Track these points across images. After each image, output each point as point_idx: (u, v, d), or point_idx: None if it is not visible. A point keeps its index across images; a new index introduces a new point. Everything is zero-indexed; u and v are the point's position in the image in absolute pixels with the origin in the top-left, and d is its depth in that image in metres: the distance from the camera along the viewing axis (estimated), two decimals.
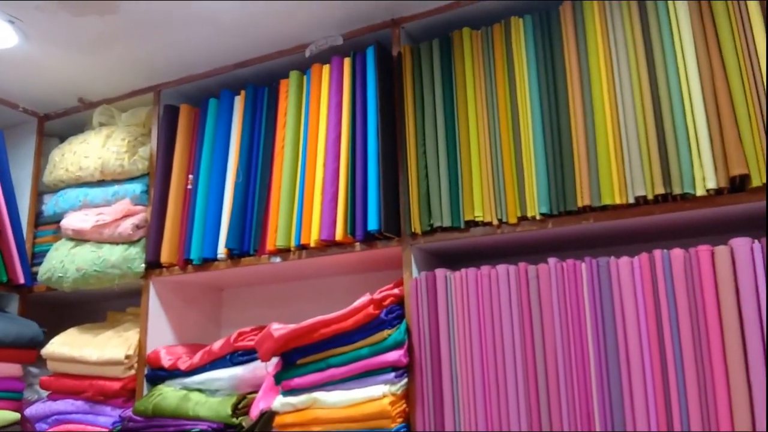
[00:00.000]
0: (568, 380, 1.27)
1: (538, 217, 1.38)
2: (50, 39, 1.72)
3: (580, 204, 1.35)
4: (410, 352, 1.44)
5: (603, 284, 1.28)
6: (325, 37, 1.73)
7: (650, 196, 1.29)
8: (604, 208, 1.34)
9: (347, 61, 1.68)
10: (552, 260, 1.34)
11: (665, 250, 1.24)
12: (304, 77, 1.76)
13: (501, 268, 1.38)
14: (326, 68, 1.72)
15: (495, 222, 1.42)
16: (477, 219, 1.44)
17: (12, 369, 1.89)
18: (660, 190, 1.27)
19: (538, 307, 1.33)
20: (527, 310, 1.34)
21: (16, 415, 1.87)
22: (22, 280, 1.95)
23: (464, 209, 1.45)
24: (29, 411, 1.85)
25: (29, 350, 1.92)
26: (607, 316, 1.27)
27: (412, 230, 1.50)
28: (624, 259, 1.28)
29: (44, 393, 1.93)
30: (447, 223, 1.46)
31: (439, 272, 1.45)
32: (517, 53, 1.48)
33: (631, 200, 1.31)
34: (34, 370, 1.99)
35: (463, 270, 1.42)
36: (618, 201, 1.31)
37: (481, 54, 1.53)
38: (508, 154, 1.44)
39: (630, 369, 1.23)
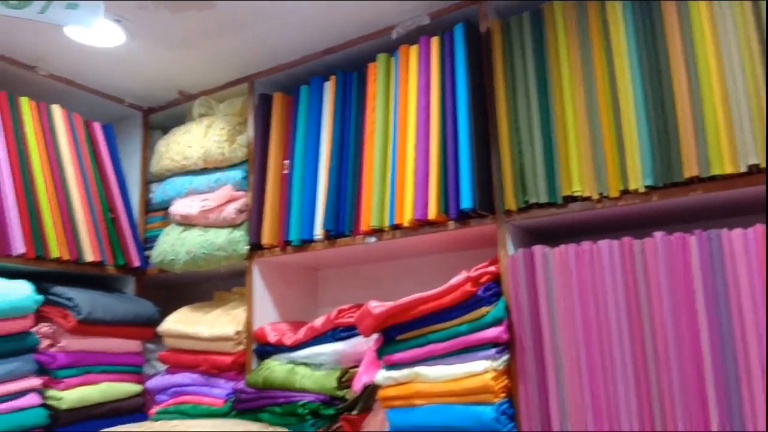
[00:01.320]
0: (678, 359, 1.25)
1: (641, 190, 1.34)
2: (152, 36, 1.82)
3: (687, 175, 1.30)
4: (510, 328, 1.45)
5: (715, 258, 1.24)
6: (411, 18, 1.74)
7: (763, 164, 1.22)
8: (713, 178, 1.28)
9: (435, 41, 1.68)
10: (659, 234, 1.30)
11: None
12: (392, 59, 1.77)
13: (603, 243, 1.36)
14: (413, 49, 1.72)
15: (595, 196, 1.39)
16: (575, 194, 1.42)
17: (132, 345, 2.06)
18: None
19: (645, 283, 1.30)
20: (632, 286, 1.31)
21: (139, 387, 2.05)
22: (137, 264, 2.11)
23: (561, 184, 1.44)
24: (150, 383, 2.02)
25: (146, 328, 2.09)
26: (719, 291, 1.23)
27: (507, 207, 1.50)
28: (737, 231, 1.23)
29: (161, 367, 2.09)
30: (543, 199, 1.45)
31: (537, 249, 1.44)
32: (614, 21, 1.43)
33: (743, 169, 1.24)
34: (150, 346, 2.16)
35: (562, 246, 1.41)
36: (728, 170, 1.26)
37: (575, 24, 1.49)
38: (608, 125, 1.40)
39: (747, 347, 1.19)
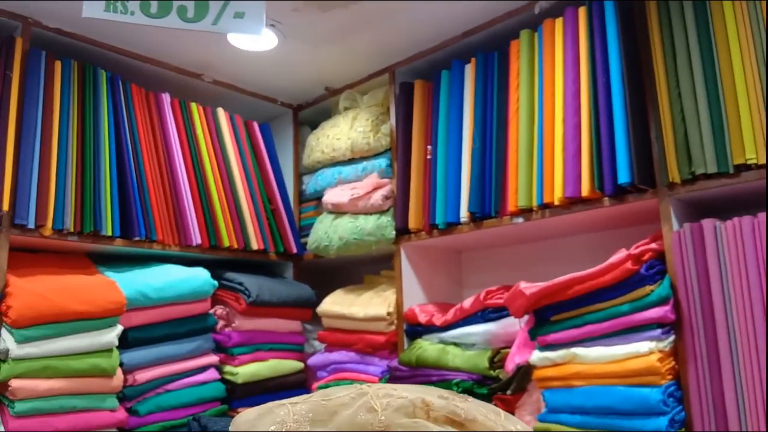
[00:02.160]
0: None
1: None
2: (301, 36, 1.95)
3: None
4: (676, 308, 1.38)
5: None
6: None
7: None
8: None
9: (582, 11, 1.62)
10: None
11: None
12: (536, 35, 1.74)
13: None
14: (559, 22, 1.68)
15: None
16: (749, 161, 1.30)
17: (294, 325, 2.23)
18: None
19: None
20: None
21: (301, 365, 2.21)
22: (295, 250, 2.27)
23: (732, 152, 1.33)
24: (311, 361, 2.17)
25: (305, 309, 2.24)
26: None
27: (670, 180, 1.42)
28: None
29: (319, 346, 2.24)
30: (712, 169, 1.35)
31: (707, 223, 1.35)
32: None
33: None
34: (309, 326, 2.32)
35: (735, 219, 1.31)
36: None
37: None
38: None
39: None
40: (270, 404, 0.72)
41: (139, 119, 1.97)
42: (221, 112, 2.21)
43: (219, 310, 2.09)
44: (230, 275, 2.10)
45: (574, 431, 1.43)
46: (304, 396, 0.74)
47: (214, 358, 2.00)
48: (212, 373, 1.99)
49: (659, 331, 1.36)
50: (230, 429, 0.67)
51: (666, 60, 1.45)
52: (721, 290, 1.31)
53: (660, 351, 1.35)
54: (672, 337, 1.38)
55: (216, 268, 2.12)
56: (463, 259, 2.24)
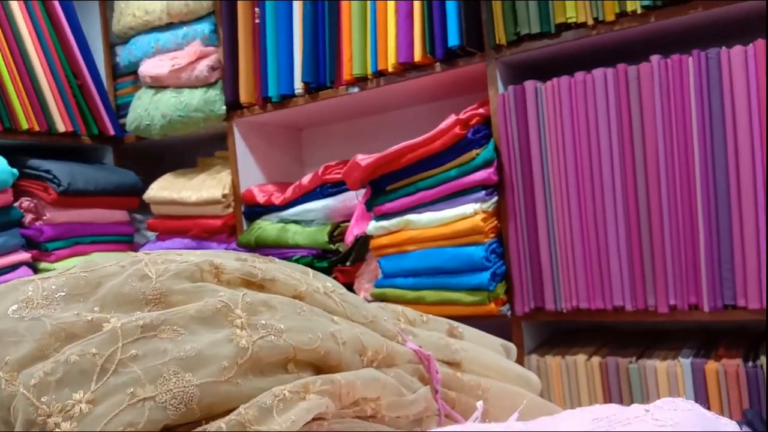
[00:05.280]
0: (670, 184, 1.23)
1: (639, 11, 1.25)
2: None
3: None
4: (500, 170, 1.43)
5: (712, 78, 1.18)
6: None
7: None
8: None
9: None
10: (655, 57, 1.23)
11: None
12: None
13: (597, 72, 1.29)
14: None
15: (590, 22, 1.30)
16: (570, 20, 1.32)
17: (119, 215, 2.04)
18: None
19: (639, 110, 1.25)
20: (626, 115, 1.26)
21: None
22: (112, 132, 2.02)
23: (554, 11, 1.33)
24: (143, 250, 2.02)
25: (131, 198, 2.05)
26: (715, 113, 1.18)
27: (497, 42, 1.41)
28: (737, 49, 1.16)
29: (152, 235, 2.09)
30: (535, 29, 1.35)
31: (528, 84, 1.37)
32: None
33: None
34: (138, 216, 2.15)
35: (554, 79, 1.34)
36: None
37: None
38: None
39: (739, 170, 1.17)
40: (16, 281, 0.61)
41: None
42: None
43: (25, 202, 1.83)
44: (35, 162, 1.83)
45: (407, 292, 1.48)
46: (62, 268, 0.63)
47: (25, 255, 1.78)
48: (25, 271, 1.78)
49: (483, 192, 1.41)
50: None
51: None
52: (539, 150, 1.37)
53: (484, 211, 1.41)
54: (495, 198, 1.44)
55: (16, 154, 1.84)
56: (304, 136, 2.15)
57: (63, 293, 0.58)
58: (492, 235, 1.43)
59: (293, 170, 2.10)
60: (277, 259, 0.74)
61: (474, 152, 1.42)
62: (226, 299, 0.60)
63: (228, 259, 0.67)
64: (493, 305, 1.39)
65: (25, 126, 1.78)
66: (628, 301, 1.30)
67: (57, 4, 1.94)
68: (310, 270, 0.74)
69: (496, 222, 1.44)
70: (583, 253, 1.33)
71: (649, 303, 1.28)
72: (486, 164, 1.41)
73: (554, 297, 1.37)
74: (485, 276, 1.38)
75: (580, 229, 1.33)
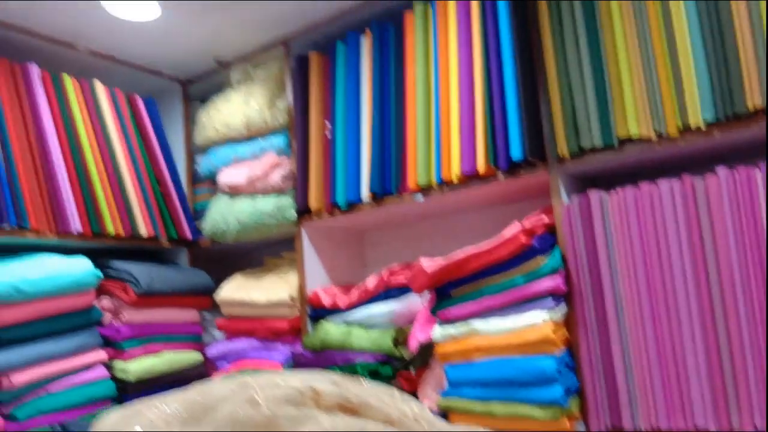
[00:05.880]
0: (747, 297, 1.20)
1: (702, 126, 1.27)
2: (185, 5, 1.81)
3: (750, 106, 1.22)
4: (567, 279, 1.42)
5: None
6: None
7: None
8: None
9: None
10: (722, 170, 1.24)
11: None
12: (429, 6, 1.71)
13: (663, 184, 1.30)
14: None
15: (653, 137, 1.33)
16: (632, 136, 1.35)
17: (190, 315, 2.12)
18: None
19: (709, 222, 1.24)
20: (696, 227, 1.26)
21: (200, 356, 2.10)
22: (189, 235, 2.15)
23: (616, 126, 1.37)
24: (210, 351, 2.07)
25: (203, 297, 2.13)
26: None
27: (559, 154, 1.45)
28: None
29: (219, 335, 2.15)
30: (597, 143, 1.39)
31: (593, 194, 1.39)
32: None
33: None
34: (208, 315, 2.22)
35: (619, 190, 1.36)
36: None
37: None
38: (662, 58, 1.32)
39: None
40: (138, 405, 0.64)
41: (3, 93, 1.76)
42: (99, 85, 2.02)
43: (105, 302, 1.94)
44: (117, 264, 1.95)
45: (475, 405, 1.45)
46: (179, 393, 0.67)
47: (101, 355, 1.86)
48: (101, 371, 1.85)
49: (552, 301, 1.40)
50: None
51: (554, 34, 1.47)
52: (607, 259, 1.37)
53: (553, 321, 1.39)
54: (564, 307, 1.42)
55: (101, 257, 1.97)
56: (366, 238, 2.21)
57: (183, 416, 0.62)
58: (563, 346, 1.40)
59: (355, 270, 2.14)
60: (365, 381, 0.76)
61: (540, 260, 1.42)
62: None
63: (324, 382, 0.70)
64: (566, 421, 1.34)
65: (111, 231, 1.91)
66: (711, 421, 1.23)
67: (145, 115, 2.14)
68: (395, 391, 0.76)
69: (566, 332, 1.42)
70: (660, 368, 1.28)
71: (734, 423, 1.20)
72: (553, 272, 1.41)
73: (631, 414, 1.31)
74: (558, 390, 1.34)
75: (655, 343, 1.30)
